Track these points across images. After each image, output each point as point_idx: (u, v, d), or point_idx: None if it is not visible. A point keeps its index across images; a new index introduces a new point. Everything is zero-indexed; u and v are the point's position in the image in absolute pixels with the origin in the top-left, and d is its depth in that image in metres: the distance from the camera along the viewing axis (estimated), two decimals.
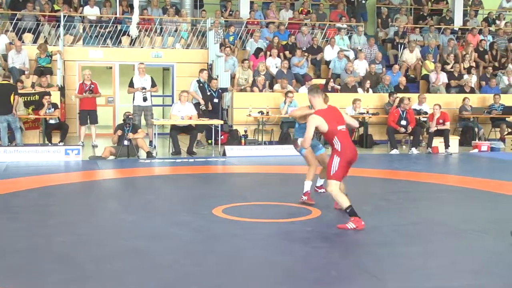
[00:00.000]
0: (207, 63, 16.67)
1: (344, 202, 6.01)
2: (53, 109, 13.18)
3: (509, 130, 15.50)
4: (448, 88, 16.81)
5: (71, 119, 15.41)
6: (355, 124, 6.91)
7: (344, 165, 6.14)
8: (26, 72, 15.04)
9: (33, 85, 14.43)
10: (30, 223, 6.25)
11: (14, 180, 9.00)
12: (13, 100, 12.28)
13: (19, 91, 12.93)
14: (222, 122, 12.94)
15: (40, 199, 7.62)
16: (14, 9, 16.52)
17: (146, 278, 4.43)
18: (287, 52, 16.84)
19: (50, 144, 12.87)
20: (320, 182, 7.36)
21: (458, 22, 20.39)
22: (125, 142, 11.69)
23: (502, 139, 15.01)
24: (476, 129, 15.12)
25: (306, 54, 16.97)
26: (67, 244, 5.39)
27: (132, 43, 17.07)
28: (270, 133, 14.41)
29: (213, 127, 13.07)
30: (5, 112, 12.24)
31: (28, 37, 16.28)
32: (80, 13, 17.24)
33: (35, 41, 16.08)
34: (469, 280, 4.47)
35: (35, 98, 13.36)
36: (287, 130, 14.03)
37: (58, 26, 16.48)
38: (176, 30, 17.53)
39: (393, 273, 4.62)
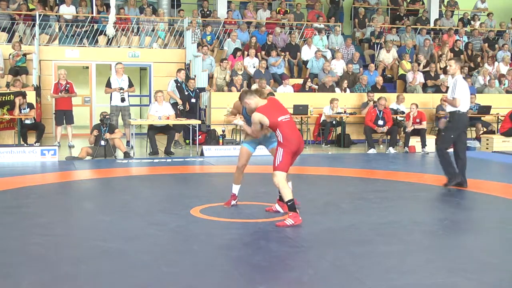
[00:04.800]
0: (185, 63, 16.62)
1: (288, 195, 6.04)
2: (28, 109, 13.02)
3: (485, 129, 15.68)
4: (424, 87, 16.96)
5: (47, 119, 15.26)
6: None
7: (289, 155, 6.14)
8: (0, 72, 14.85)
9: (8, 85, 14.26)
10: (5, 224, 6.17)
11: None
12: None
13: None
14: (199, 122, 12.90)
15: (15, 200, 7.52)
16: None
17: (123, 279, 4.40)
18: (263, 53, 16.87)
19: (25, 145, 12.72)
20: None
21: (434, 23, 20.59)
22: (102, 143, 11.61)
23: (478, 138, 15.17)
24: None
25: (283, 53, 17.01)
26: (43, 245, 5.32)
27: (109, 42, 16.96)
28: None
29: (190, 127, 13.04)
30: None
31: (2, 36, 16.08)
32: (56, 12, 17.08)
33: (9, 40, 15.90)
34: (444, 278, 4.51)
35: (10, 98, 13.18)
36: None
37: (34, 25, 16.31)
38: (153, 30, 17.45)
39: (370, 271, 4.64)
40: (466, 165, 8.62)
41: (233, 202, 7.07)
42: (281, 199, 6.48)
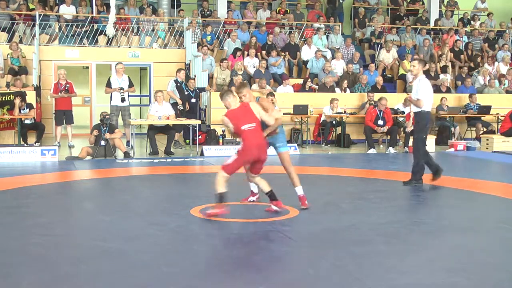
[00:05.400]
0: (185, 63, 16.62)
1: (219, 189, 6.23)
2: (28, 109, 13.02)
3: (485, 129, 15.68)
4: None
5: (47, 119, 15.25)
6: (270, 121, 6.61)
7: (240, 163, 6.38)
8: (0, 72, 14.85)
9: (7, 85, 14.25)
10: (5, 224, 6.16)
11: None
12: None
13: None
14: (199, 122, 12.90)
15: (15, 200, 7.51)
16: None
17: (123, 279, 4.40)
18: (263, 53, 16.88)
19: (25, 145, 12.71)
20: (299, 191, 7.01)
21: (434, 23, 20.59)
22: (102, 142, 11.61)
23: (478, 138, 15.16)
24: (452, 129, 15.26)
25: (283, 53, 17.01)
26: (43, 245, 5.32)
27: (109, 42, 16.95)
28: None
29: (190, 127, 13.04)
30: None
31: (2, 36, 16.08)
32: (56, 12, 17.07)
33: (9, 40, 15.90)
34: (444, 278, 4.51)
35: (10, 98, 13.18)
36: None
37: (34, 25, 16.31)
38: (153, 30, 17.44)
39: (370, 271, 4.64)
40: (433, 160, 8.96)
41: (251, 199, 7.23)
42: (272, 198, 6.58)
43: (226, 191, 6.30)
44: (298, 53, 17.39)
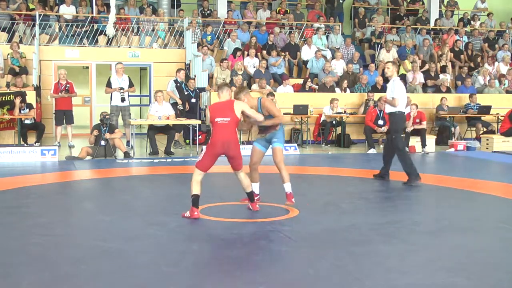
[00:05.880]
0: (185, 63, 16.62)
1: (193, 190, 6.28)
2: (28, 109, 13.02)
3: (485, 129, 15.68)
4: (424, 87, 16.97)
5: (48, 119, 15.25)
6: (258, 117, 6.67)
7: (209, 157, 6.41)
8: (0, 72, 14.86)
9: (8, 85, 14.25)
10: (5, 224, 6.17)
11: None
12: None
13: None
14: (199, 122, 12.90)
15: (15, 200, 7.52)
16: None
17: (123, 278, 4.40)
18: (264, 52, 16.88)
19: (25, 145, 12.71)
20: (287, 188, 7.03)
21: (434, 23, 20.59)
22: (102, 142, 11.61)
23: (478, 138, 15.16)
24: (452, 129, 15.27)
25: (283, 53, 17.01)
26: (43, 245, 5.32)
27: (109, 42, 16.95)
28: (248, 133, 14.40)
29: (190, 127, 13.04)
30: None
31: (2, 36, 16.08)
32: (56, 12, 17.07)
33: (9, 40, 15.90)
34: (445, 278, 4.51)
35: (10, 98, 13.18)
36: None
37: (34, 25, 16.32)
38: (153, 30, 17.45)
39: (370, 271, 4.64)
40: (391, 163, 9.23)
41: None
42: (250, 198, 6.70)
43: (198, 193, 6.29)
44: (298, 53, 17.40)
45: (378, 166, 9.62)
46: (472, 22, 21.24)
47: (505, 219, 6.67)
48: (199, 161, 6.45)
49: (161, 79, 16.24)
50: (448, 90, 16.69)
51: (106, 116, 11.84)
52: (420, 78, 16.93)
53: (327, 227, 6.13)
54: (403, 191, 8.43)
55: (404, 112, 9.07)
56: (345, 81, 15.96)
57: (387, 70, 9.03)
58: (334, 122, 14.81)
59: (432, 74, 17.26)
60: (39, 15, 16.16)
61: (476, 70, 18.30)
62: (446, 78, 17.01)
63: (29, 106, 13.10)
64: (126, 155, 11.84)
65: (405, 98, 8.95)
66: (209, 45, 16.79)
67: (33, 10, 16.65)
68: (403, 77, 17.27)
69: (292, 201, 6.93)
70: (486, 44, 19.79)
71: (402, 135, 9.08)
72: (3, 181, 8.88)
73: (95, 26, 16.97)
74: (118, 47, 16.92)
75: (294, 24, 18.85)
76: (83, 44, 16.68)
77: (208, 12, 18.58)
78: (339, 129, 14.87)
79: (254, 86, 15.12)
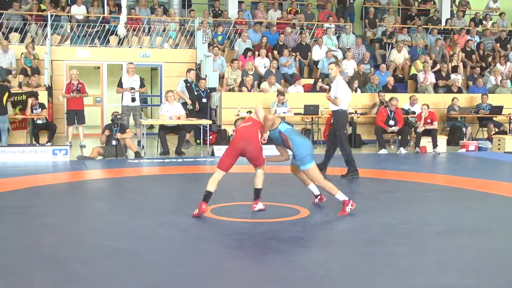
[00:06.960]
0: (196, 63, 16.64)
1: (208, 187, 6.40)
2: (40, 109, 13.10)
3: (496, 129, 15.59)
4: (435, 88, 16.89)
5: (59, 119, 15.33)
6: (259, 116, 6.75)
7: (228, 155, 6.53)
8: (13, 72, 14.95)
9: (20, 85, 14.35)
10: (17, 223, 6.20)
11: (1, 181, 8.93)
12: (6, 101, 12.23)
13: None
14: (210, 122, 12.92)
15: (27, 200, 7.56)
16: (0, 8, 16.41)
17: (133, 278, 4.41)
18: (275, 52, 16.88)
19: (37, 144, 12.79)
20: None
21: (445, 22, 20.50)
22: (113, 142, 11.66)
23: (490, 139, 15.09)
24: (464, 129, 15.20)
25: (294, 54, 17.00)
26: (54, 244, 5.35)
27: (120, 42, 17.01)
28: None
29: (201, 127, 13.06)
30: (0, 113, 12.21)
31: (14, 36, 16.18)
32: (68, 13, 17.16)
33: (22, 41, 16.00)
34: (455, 278, 4.49)
35: (22, 98, 13.27)
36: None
37: (46, 26, 16.40)
38: (164, 30, 17.49)
39: (381, 272, 4.63)
40: (332, 157, 9.67)
41: (315, 200, 7.22)
42: (256, 195, 6.68)
43: (211, 191, 6.36)
44: (309, 53, 17.37)
45: (388, 167, 9.62)
46: (484, 22, 21.13)
47: None
48: (219, 161, 6.58)
49: (172, 79, 16.27)
50: (460, 90, 16.61)
51: (117, 116, 11.89)
52: (431, 78, 16.86)
53: (337, 227, 6.12)
54: (414, 192, 8.40)
55: (346, 110, 9.46)
56: (356, 81, 15.92)
57: (331, 71, 9.29)
58: None
59: (444, 74, 17.18)
60: (51, 16, 16.25)
61: (487, 70, 18.20)
62: (458, 78, 16.93)
63: (41, 106, 13.18)
64: (137, 155, 11.87)
65: (347, 98, 9.33)
66: (220, 45, 16.80)
67: (45, 11, 16.74)
68: (414, 77, 17.25)
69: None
70: (498, 44, 19.69)
71: (344, 132, 9.63)
72: (15, 181, 8.94)
73: (107, 26, 17.04)
74: (129, 47, 16.98)
75: (305, 24, 18.83)
76: (95, 44, 16.75)
77: (219, 12, 18.60)
78: (350, 129, 14.83)
79: (264, 84, 15.12)
